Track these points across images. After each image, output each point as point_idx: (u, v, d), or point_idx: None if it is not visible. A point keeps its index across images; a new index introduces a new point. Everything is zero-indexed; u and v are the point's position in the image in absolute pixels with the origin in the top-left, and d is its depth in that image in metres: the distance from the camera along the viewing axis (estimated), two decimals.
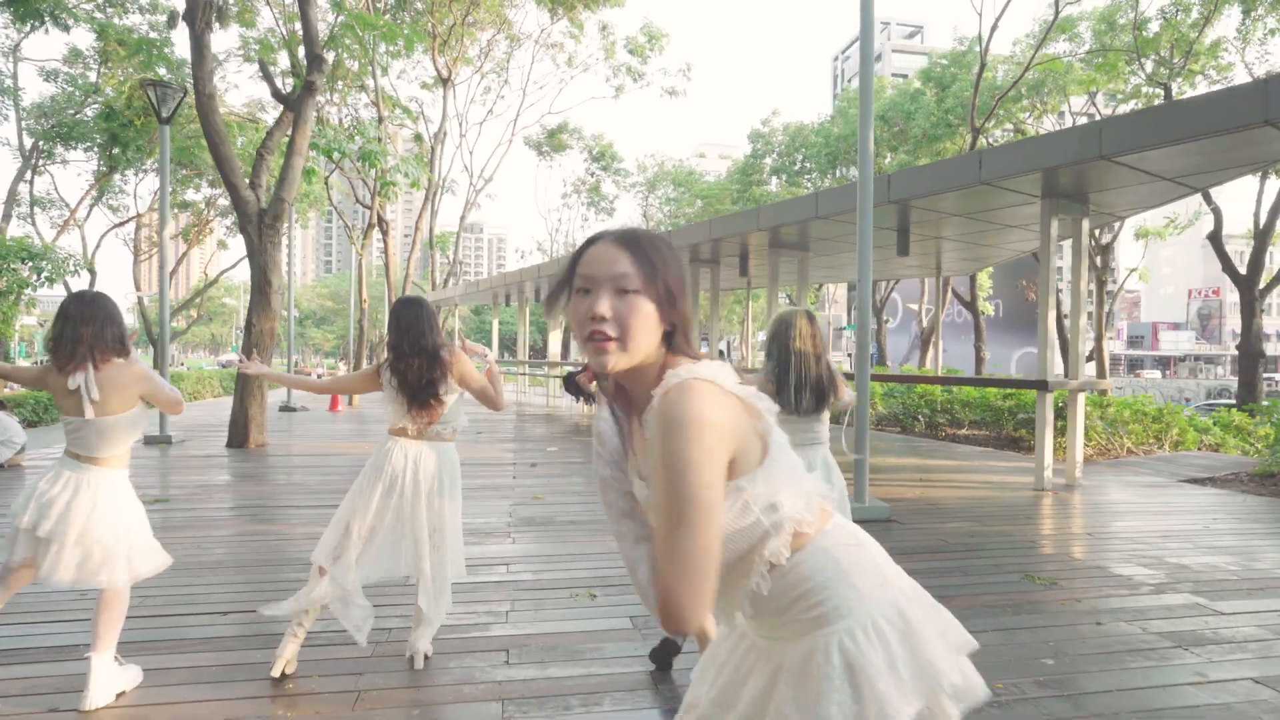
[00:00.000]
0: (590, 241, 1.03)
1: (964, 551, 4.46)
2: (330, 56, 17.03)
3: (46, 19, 9.66)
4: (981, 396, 11.21)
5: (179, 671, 2.63)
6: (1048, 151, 5.56)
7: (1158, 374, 67.59)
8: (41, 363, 2.40)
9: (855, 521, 3.88)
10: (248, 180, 8.83)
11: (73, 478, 2.34)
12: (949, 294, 20.01)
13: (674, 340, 1.01)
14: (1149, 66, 19.52)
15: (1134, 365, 74.06)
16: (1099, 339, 16.70)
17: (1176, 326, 77.09)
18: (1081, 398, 6.82)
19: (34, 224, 25.56)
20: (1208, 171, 5.73)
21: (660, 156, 42.36)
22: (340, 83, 21.24)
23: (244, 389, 8.70)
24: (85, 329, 2.33)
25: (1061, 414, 9.62)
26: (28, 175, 24.50)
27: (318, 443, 9.62)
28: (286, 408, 14.56)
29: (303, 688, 2.52)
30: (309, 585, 2.60)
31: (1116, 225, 17.99)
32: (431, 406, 2.65)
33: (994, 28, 16.61)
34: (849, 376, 6.21)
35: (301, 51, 9.51)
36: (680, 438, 0.88)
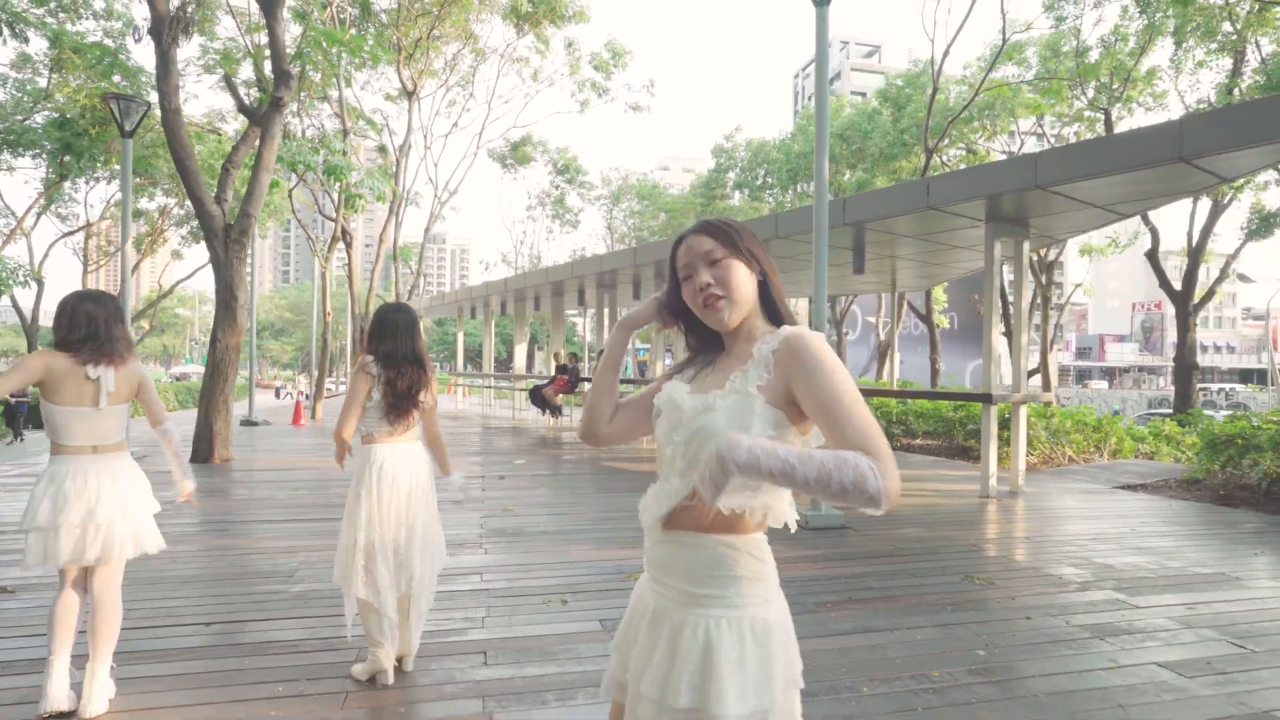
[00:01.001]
0: (676, 244, 1.26)
1: (913, 555, 4.77)
2: (295, 70, 16.95)
3: (5, 30, 9.52)
4: (935, 408, 11.69)
5: (166, 679, 2.74)
6: (989, 180, 5.97)
7: (1105, 384, 70.18)
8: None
9: (814, 528, 4.22)
10: (214, 195, 8.83)
11: (101, 468, 2.45)
12: (904, 307, 20.65)
13: (767, 305, 1.24)
14: (1091, 92, 20.57)
15: (1082, 376, 76.79)
16: (1044, 352, 17.45)
17: (1121, 339, 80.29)
18: (1024, 410, 7.25)
19: None
20: (1135, 200, 6.21)
21: (624, 170, 42.73)
22: (304, 94, 21.14)
23: (208, 403, 8.67)
24: (119, 327, 2.51)
25: (1008, 424, 10.12)
26: None
27: (282, 457, 9.59)
28: (248, 421, 14.38)
29: (292, 690, 2.66)
30: (355, 613, 2.74)
31: (1061, 244, 18.86)
32: (408, 414, 2.76)
33: (945, 53, 17.35)
34: None
35: (268, 67, 9.54)
36: (827, 356, 1.10)
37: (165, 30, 8.11)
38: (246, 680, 2.73)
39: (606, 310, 14.06)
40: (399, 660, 2.84)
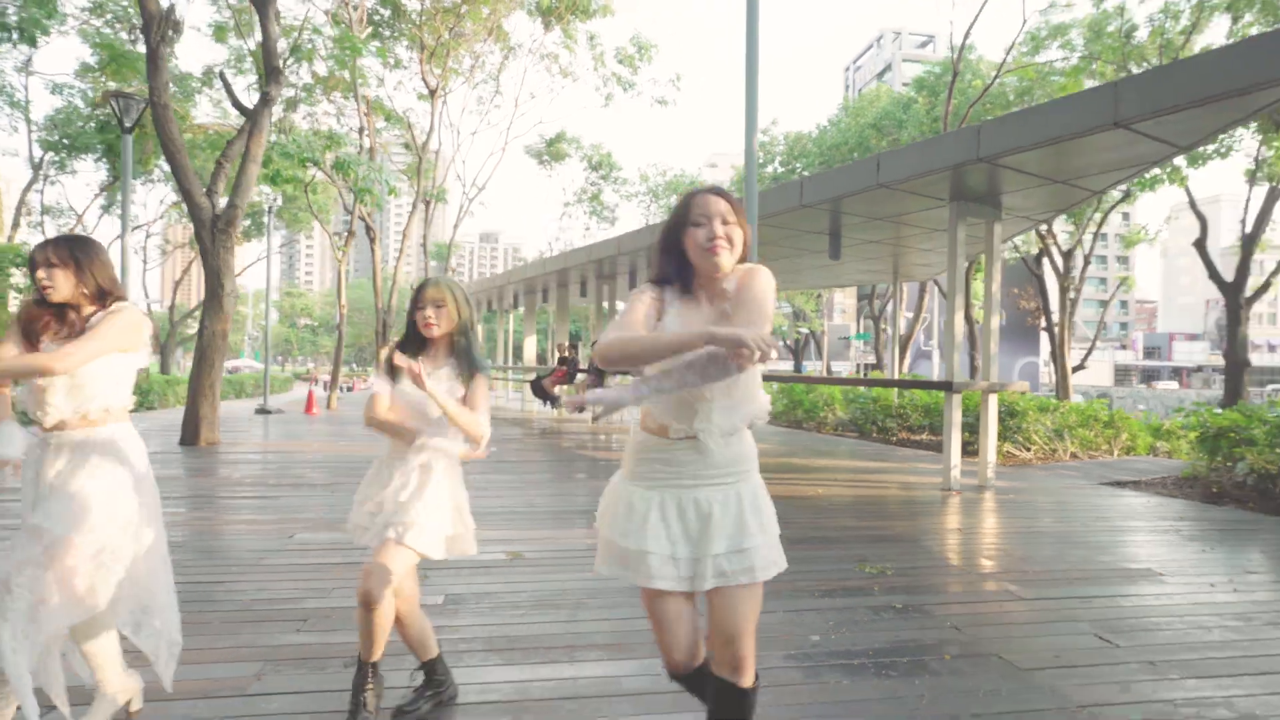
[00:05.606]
0: (694, 194, 1.66)
1: (819, 543, 4.58)
2: (311, 69, 17.39)
3: (15, 34, 10.10)
4: (935, 401, 11.26)
5: None
6: (934, 154, 5.68)
7: (1174, 384, 66.44)
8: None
9: None
10: (205, 188, 9.15)
11: None
12: (925, 300, 19.99)
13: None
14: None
15: (1149, 376, 72.92)
16: (1062, 347, 16.58)
17: (1194, 337, 75.93)
18: (993, 399, 6.89)
19: (43, 232, 26.34)
20: (1098, 173, 5.80)
21: (663, 166, 42.59)
22: (335, 93, 21.77)
23: (195, 388, 8.99)
24: None
25: (1006, 416, 9.67)
26: (38, 185, 25.31)
27: (276, 442, 9.89)
28: (263, 410, 14.90)
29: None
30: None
31: (1082, 232, 17.90)
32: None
33: (965, 37, 16.71)
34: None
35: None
36: (768, 285, 1.60)
37: (154, 28, 8.43)
38: None
39: (606, 302, 14.03)
40: None
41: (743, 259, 1.67)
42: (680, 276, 1.67)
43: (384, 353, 2.25)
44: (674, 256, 1.67)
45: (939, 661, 2.76)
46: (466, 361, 2.22)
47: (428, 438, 2.18)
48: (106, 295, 2.13)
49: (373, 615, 2.09)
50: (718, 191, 1.65)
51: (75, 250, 2.11)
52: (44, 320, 2.11)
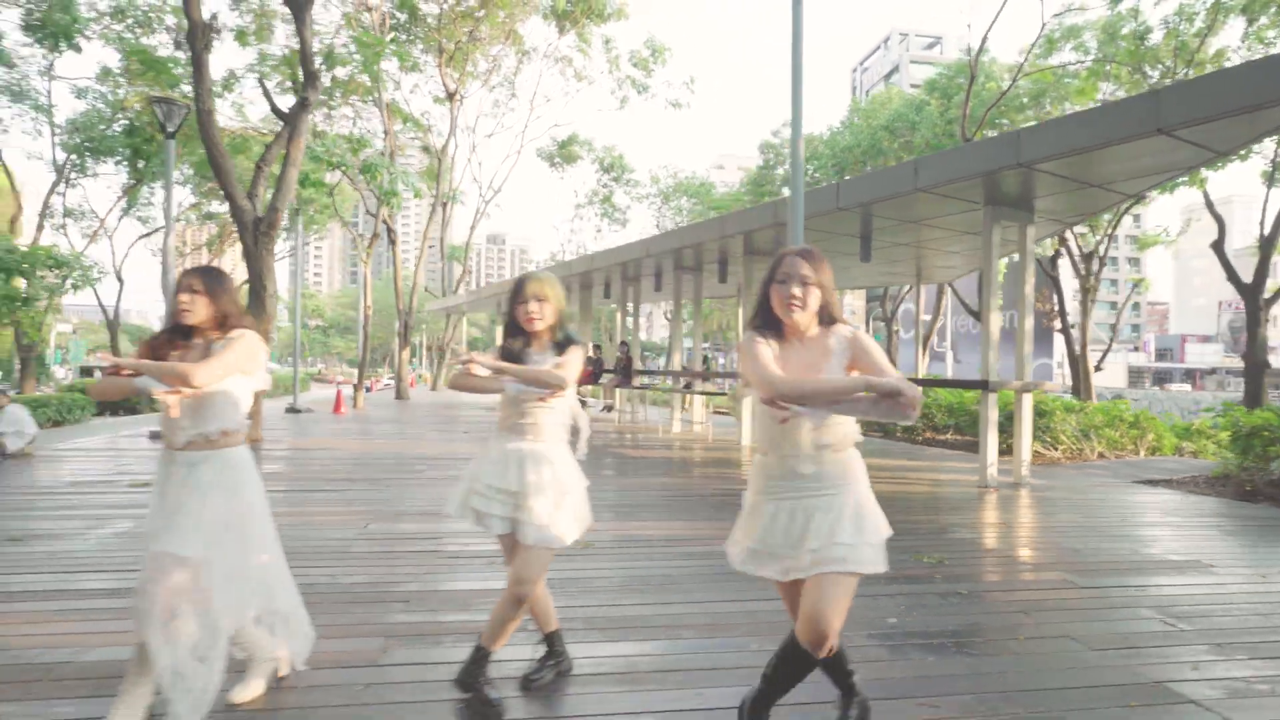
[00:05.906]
0: (785, 254, 1.92)
1: None
2: (331, 73, 17.67)
3: (62, 40, 10.31)
4: (959, 401, 11.39)
5: (90, 610, 3.03)
6: (974, 159, 5.84)
7: (1187, 386, 66.30)
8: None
9: None
10: (246, 191, 9.37)
11: None
12: (941, 301, 20.07)
13: (823, 314, 1.92)
14: (1155, 75, 19.54)
15: (1161, 378, 72.74)
16: (1083, 348, 16.67)
17: (1207, 339, 75.68)
18: (1028, 398, 7.03)
19: (66, 234, 26.64)
20: (1132, 178, 5.95)
21: (675, 169, 42.71)
22: (354, 96, 22.03)
23: None
24: None
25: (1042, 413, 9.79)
26: (60, 188, 25.61)
27: (315, 439, 10.09)
28: (293, 409, 15.12)
29: None
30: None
31: (1103, 234, 17.98)
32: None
33: (983, 39, 16.83)
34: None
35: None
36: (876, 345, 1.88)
37: (199, 36, 8.65)
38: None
39: (631, 304, 14.19)
40: None
41: (828, 313, 1.92)
42: (773, 325, 1.94)
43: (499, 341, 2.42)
44: (766, 307, 1.94)
45: (1015, 642, 2.92)
46: (562, 341, 2.35)
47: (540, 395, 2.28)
48: (230, 323, 2.29)
49: (524, 608, 2.25)
50: (804, 254, 1.90)
51: (219, 281, 2.31)
52: (171, 346, 2.29)
